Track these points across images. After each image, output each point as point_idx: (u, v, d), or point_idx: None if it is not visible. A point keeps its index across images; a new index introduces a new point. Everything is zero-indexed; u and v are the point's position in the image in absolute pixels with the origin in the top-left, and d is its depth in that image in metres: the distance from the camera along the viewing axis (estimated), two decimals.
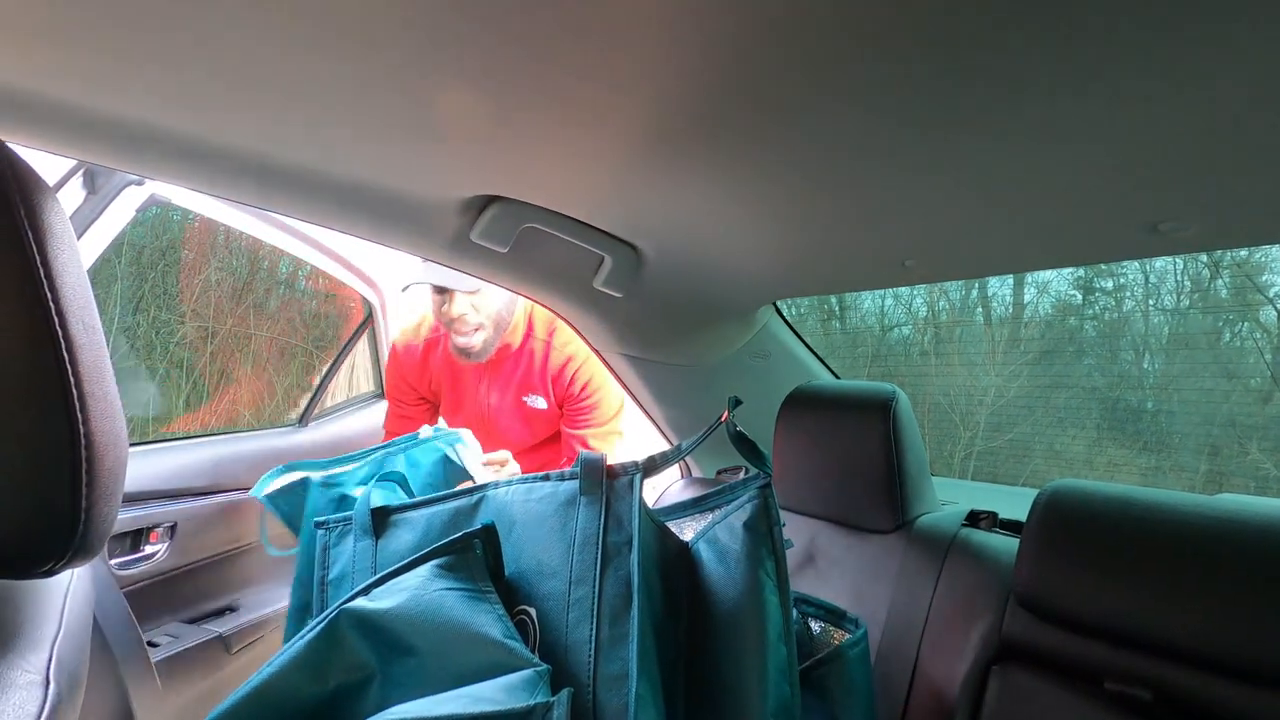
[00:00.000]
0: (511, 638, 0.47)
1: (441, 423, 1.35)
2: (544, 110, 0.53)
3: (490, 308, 1.32)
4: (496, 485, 0.65)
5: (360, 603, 0.49)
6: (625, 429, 1.46)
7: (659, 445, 1.36)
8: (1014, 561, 0.72)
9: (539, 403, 1.42)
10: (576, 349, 1.37)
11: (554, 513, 0.59)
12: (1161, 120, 0.46)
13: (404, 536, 0.65)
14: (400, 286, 1.36)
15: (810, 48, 0.42)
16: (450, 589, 0.49)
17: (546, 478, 0.62)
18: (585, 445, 1.41)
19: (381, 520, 0.67)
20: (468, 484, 0.70)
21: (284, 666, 0.46)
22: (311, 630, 0.48)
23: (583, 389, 1.38)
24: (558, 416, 1.45)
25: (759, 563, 0.58)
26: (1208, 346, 2.32)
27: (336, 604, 0.49)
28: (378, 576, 0.52)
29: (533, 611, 0.54)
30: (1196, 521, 0.62)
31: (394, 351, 1.52)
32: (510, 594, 0.55)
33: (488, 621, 0.47)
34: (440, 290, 1.30)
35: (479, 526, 0.54)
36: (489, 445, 1.46)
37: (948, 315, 2.94)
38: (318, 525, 0.67)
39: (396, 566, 0.52)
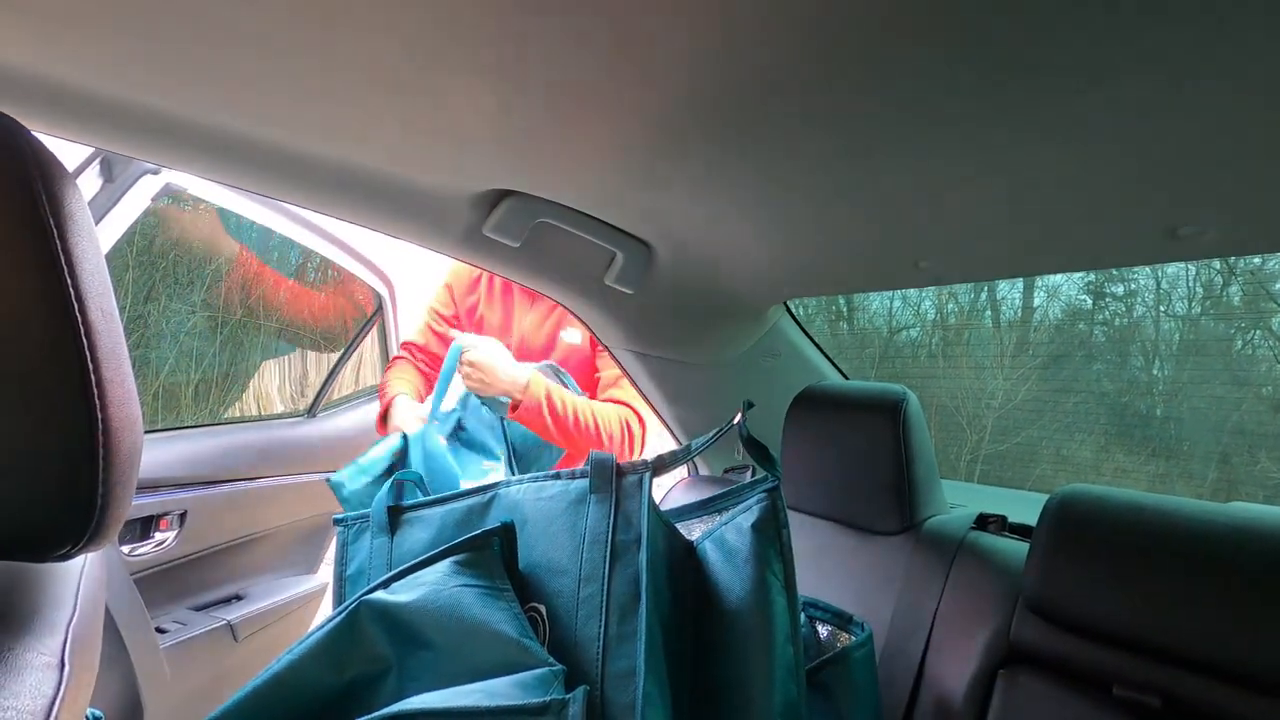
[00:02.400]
0: (527, 636, 0.47)
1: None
2: (559, 106, 0.53)
3: None
4: (508, 484, 0.65)
5: (380, 595, 0.49)
6: (645, 413, 1.38)
7: (668, 442, 1.36)
8: (1023, 565, 0.72)
9: (574, 336, 1.37)
10: None
11: (564, 511, 0.59)
12: (1181, 122, 0.46)
13: (418, 534, 0.66)
14: None
15: (828, 47, 0.41)
16: (467, 585, 0.49)
17: (557, 476, 0.62)
18: (611, 400, 1.33)
19: (396, 518, 0.67)
20: (484, 481, 0.70)
21: (303, 655, 0.47)
22: (331, 621, 0.48)
23: None
24: (585, 353, 1.38)
25: (766, 564, 0.58)
26: (1219, 354, 2.30)
27: (356, 596, 0.50)
28: (397, 570, 0.52)
29: (543, 608, 0.54)
30: (1208, 529, 0.61)
31: (453, 269, 1.48)
32: (521, 590, 0.55)
33: (504, 619, 0.47)
34: None
35: (497, 524, 0.55)
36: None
37: (956, 318, 2.93)
38: (336, 522, 0.68)
39: (416, 561, 0.53)
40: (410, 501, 0.69)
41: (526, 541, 0.59)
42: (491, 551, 0.53)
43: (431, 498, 0.68)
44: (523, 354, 1.39)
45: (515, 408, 1.20)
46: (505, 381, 1.19)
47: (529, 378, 1.20)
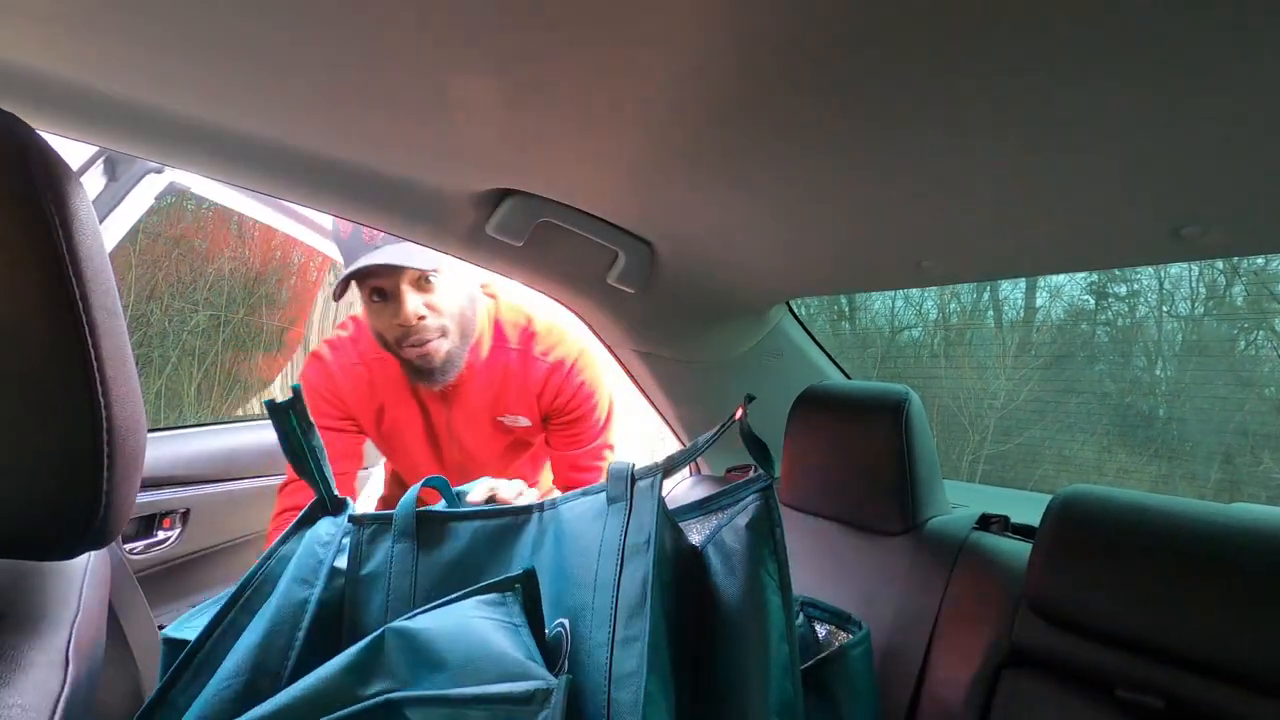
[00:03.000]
0: (533, 659, 0.47)
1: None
2: (562, 105, 0.53)
3: (451, 304, 1.00)
4: (543, 506, 0.66)
5: (404, 623, 0.50)
6: (615, 441, 1.22)
7: (667, 444, 1.36)
8: (1025, 566, 0.72)
9: (522, 421, 1.14)
10: (561, 354, 1.11)
11: (587, 526, 0.60)
12: (1185, 122, 0.46)
13: (447, 544, 0.66)
14: (332, 290, 1.00)
15: (830, 47, 0.41)
16: (485, 617, 0.50)
17: (585, 493, 0.63)
18: (578, 469, 1.16)
19: (425, 524, 0.67)
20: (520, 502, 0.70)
21: (330, 676, 0.47)
22: (359, 645, 0.49)
23: (571, 399, 1.12)
24: (535, 436, 1.21)
25: (761, 563, 0.58)
26: (1222, 354, 2.29)
27: (382, 606, 0.50)
28: (425, 607, 0.53)
29: (567, 623, 0.55)
30: (1212, 530, 0.61)
31: (321, 364, 1.11)
32: (550, 611, 0.56)
33: (514, 645, 0.48)
34: (378, 291, 0.96)
35: (520, 572, 0.54)
36: (455, 479, 1.11)
37: (958, 318, 2.92)
38: (352, 520, 0.67)
39: (443, 601, 0.53)
40: (438, 510, 0.68)
41: (560, 560, 0.60)
42: (514, 595, 0.53)
43: (464, 510, 0.68)
44: (462, 451, 1.17)
45: None
46: None
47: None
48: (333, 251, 1.75)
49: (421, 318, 0.97)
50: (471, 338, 1.05)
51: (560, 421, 1.14)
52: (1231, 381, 2.24)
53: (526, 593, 0.54)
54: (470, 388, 1.10)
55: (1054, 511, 0.71)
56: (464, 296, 1.03)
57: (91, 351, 0.34)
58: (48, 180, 0.33)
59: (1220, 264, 2.27)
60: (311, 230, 1.66)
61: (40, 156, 0.34)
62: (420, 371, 1.01)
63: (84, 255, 0.34)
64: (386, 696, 0.44)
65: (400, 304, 0.95)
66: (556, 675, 0.45)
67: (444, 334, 1.00)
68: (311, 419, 0.63)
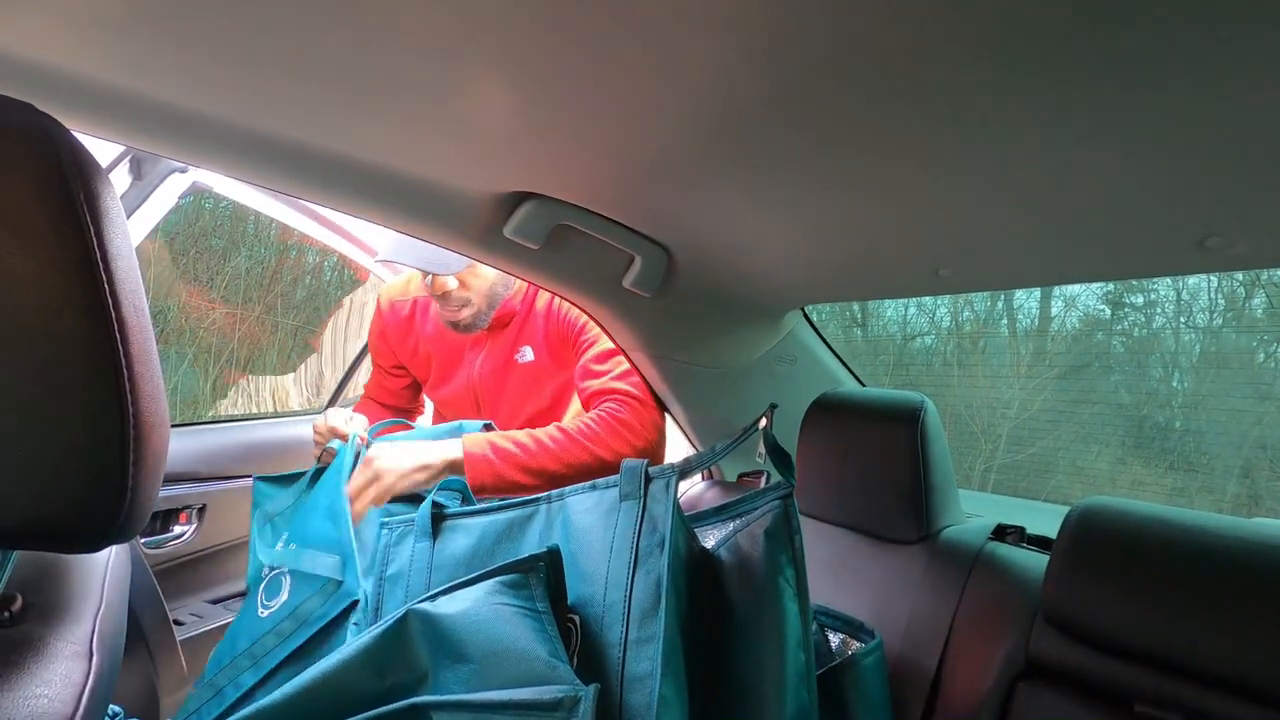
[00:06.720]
0: (557, 657, 0.47)
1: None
2: (581, 109, 0.53)
3: (481, 282, 1.19)
4: (549, 498, 0.67)
5: (426, 606, 0.50)
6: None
7: (683, 446, 1.36)
8: (1042, 577, 0.71)
9: (527, 354, 1.28)
10: None
11: (598, 521, 0.60)
12: (1211, 131, 0.45)
13: (460, 541, 0.67)
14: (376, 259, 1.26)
15: (848, 52, 0.41)
16: (508, 604, 0.50)
17: (593, 487, 0.63)
18: (592, 374, 1.19)
19: (438, 524, 0.69)
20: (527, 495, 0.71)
21: (352, 658, 0.47)
22: (380, 626, 0.49)
23: (569, 310, 1.24)
24: (547, 371, 1.29)
25: (779, 569, 0.58)
26: (1240, 366, 2.26)
27: (402, 605, 0.51)
28: (445, 586, 0.53)
29: (577, 618, 0.55)
30: (1232, 544, 0.60)
31: (378, 308, 1.39)
32: (562, 604, 0.56)
33: (537, 639, 0.48)
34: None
35: (543, 550, 0.55)
36: (473, 411, 1.33)
37: (972, 326, 2.90)
38: (383, 525, 0.69)
39: (463, 579, 0.53)
40: (453, 509, 0.70)
41: (568, 554, 0.60)
42: (536, 576, 0.53)
43: (475, 506, 0.70)
44: (483, 392, 1.31)
45: (479, 486, 1.01)
46: (415, 467, 0.97)
47: (456, 442, 1.04)
48: (348, 250, 1.76)
49: (447, 292, 1.15)
50: (498, 303, 1.24)
51: (571, 340, 1.27)
52: (1250, 394, 2.21)
53: (551, 572, 0.54)
54: (502, 333, 1.28)
55: (1072, 522, 0.70)
56: (495, 274, 1.20)
57: (120, 349, 0.34)
58: (80, 179, 0.34)
59: (1240, 275, 2.25)
60: (330, 230, 1.67)
61: (73, 155, 0.34)
62: (451, 324, 1.23)
63: (114, 254, 0.35)
64: (413, 700, 0.44)
65: (435, 277, 1.15)
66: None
67: (467, 304, 1.18)
68: None
